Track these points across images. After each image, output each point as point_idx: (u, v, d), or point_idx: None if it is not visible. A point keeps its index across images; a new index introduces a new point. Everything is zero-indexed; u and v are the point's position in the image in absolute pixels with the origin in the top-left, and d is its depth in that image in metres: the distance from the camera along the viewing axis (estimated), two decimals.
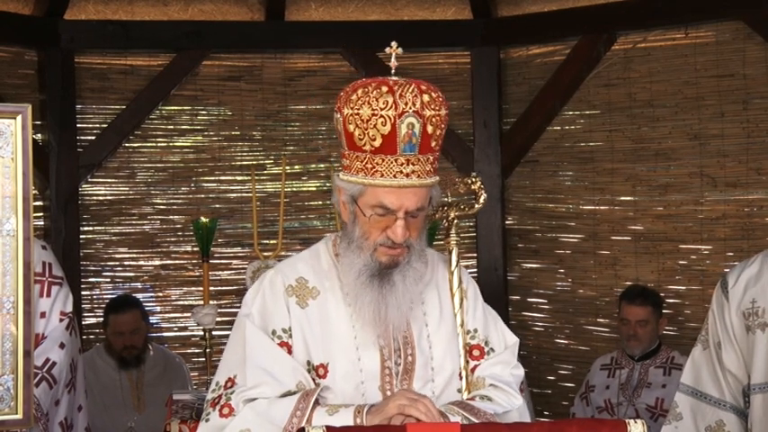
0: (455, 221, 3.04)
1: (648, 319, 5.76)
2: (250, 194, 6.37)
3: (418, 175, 2.79)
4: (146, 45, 6.68)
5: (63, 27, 6.53)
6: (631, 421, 2.57)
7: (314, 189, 6.93)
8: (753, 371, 3.39)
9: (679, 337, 6.21)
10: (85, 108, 6.67)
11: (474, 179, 3.01)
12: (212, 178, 6.84)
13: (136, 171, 6.77)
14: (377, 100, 2.76)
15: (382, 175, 2.78)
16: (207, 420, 2.88)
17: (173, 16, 6.77)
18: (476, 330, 3.02)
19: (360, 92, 2.79)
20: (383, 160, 2.77)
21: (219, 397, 2.89)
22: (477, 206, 3.04)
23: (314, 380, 2.87)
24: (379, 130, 2.75)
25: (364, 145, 2.78)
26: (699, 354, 3.57)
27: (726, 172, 6.21)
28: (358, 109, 2.77)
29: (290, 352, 2.88)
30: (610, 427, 2.57)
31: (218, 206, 6.80)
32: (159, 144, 6.82)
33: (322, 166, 6.89)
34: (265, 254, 5.83)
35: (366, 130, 2.76)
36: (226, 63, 6.86)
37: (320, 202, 6.92)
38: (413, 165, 2.78)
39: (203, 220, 5.65)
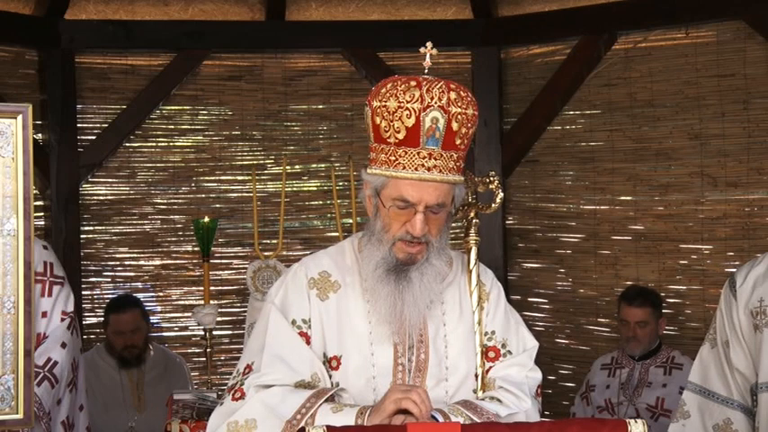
0: (475, 221, 3.05)
1: (648, 320, 5.75)
2: (251, 194, 6.37)
3: (440, 170, 2.82)
4: (146, 45, 6.68)
5: (63, 27, 6.52)
6: (632, 421, 2.57)
7: (314, 189, 6.93)
8: (760, 369, 3.40)
9: (680, 337, 6.21)
10: (86, 108, 6.67)
11: (492, 178, 3.02)
12: (213, 178, 6.84)
13: (136, 171, 6.77)
14: (404, 93, 2.80)
15: (404, 168, 2.81)
16: (221, 404, 2.93)
17: (173, 16, 6.77)
18: (494, 332, 3.04)
19: (389, 85, 2.84)
20: (406, 153, 2.81)
21: (236, 383, 2.92)
22: (494, 205, 3.06)
23: (327, 372, 2.89)
24: (403, 123, 2.79)
25: (389, 137, 2.82)
26: (707, 352, 3.58)
27: (726, 172, 6.21)
28: (386, 101, 2.81)
29: (308, 342, 2.91)
30: (610, 427, 2.57)
31: (218, 206, 6.80)
32: (160, 144, 6.82)
33: (322, 165, 6.89)
34: (266, 254, 5.83)
35: (392, 122, 2.81)
36: (226, 63, 6.86)
37: (321, 202, 6.92)
38: (435, 159, 2.81)
39: (204, 219, 5.66)
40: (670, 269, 6.40)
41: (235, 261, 6.81)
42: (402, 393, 2.73)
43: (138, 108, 6.71)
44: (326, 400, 2.79)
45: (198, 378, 6.40)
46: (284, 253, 6.18)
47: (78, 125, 6.62)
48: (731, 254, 6.14)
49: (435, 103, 2.78)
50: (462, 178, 2.90)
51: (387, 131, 2.82)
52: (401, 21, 6.86)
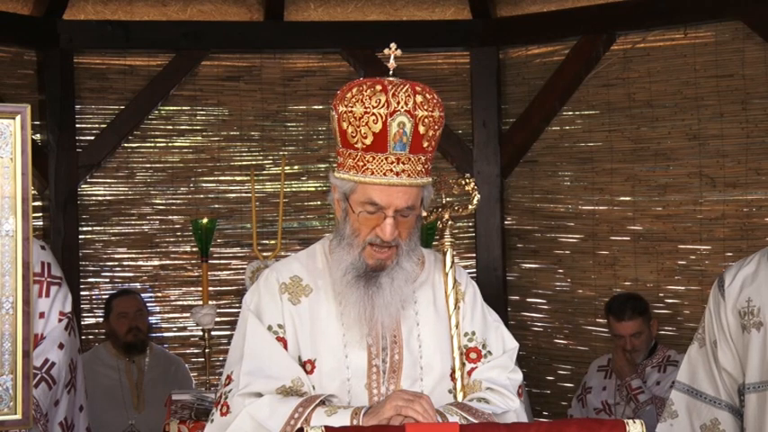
0: (449, 223, 3.04)
1: (641, 330, 5.68)
2: (249, 195, 6.37)
3: (408, 175, 2.81)
4: (145, 45, 6.68)
5: (62, 27, 6.52)
6: (630, 421, 2.57)
7: (313, 189, 6.93)
8: (747, 370, 3.41)
9: (678, 338, 6.20)
10: (85, 108, 6.67)
11: (467, 180, 3.02)
12: (211, 178, 6.84)
13: (135, 171, 6.77)
14: (370, 98, 2.79)
15: (372, 173, 2.80)
16: (212, 421, 2.92)
17: (172, 16, 6.77)
18: (473, 333, 3.02)
19: (354, 90, 2.82)
20: (374, 158, 2.80)
21: (220, 396, 2.91)
22: (470, 207, 3.04)
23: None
24: (370, 128, 2.78)
25: (356, 143, 2.81)
26: (695, 352, 3.59)
27: (725, 172, 6.21)
28: (351, 107, 2.80)
29: (285, 347, 2.91)
30: (609, 427, 2.58)
31: (217, 206, 6.80)
32: (158, 144, 6.82)
33: (321, 166, 6.89)
34: (264, 254, 5.83)
35: (358, 127, 2.79)
36: (225, 63, 6.86)
37: (319, 203, 6.93)
38: (403, 164, 2.80)
39: (202, 220, 5.66)
40: (668, 269, 6.40)
41: (233, 261, 6.81)
42: (404, 402, 2.71)
43: (136, 108, 6.71)
44: (318, 405, 2.77)
45: (196, 378, 6.40)
46: (283, 253, 6.15)
47: (77, 125, 6.61)
48: (730, 254, 6.14)
49: (402, 107, 2.77)
50: (430, 179, 2.89)
51: (354, 137, 2.81)
52: (400, 21, 6.87)
